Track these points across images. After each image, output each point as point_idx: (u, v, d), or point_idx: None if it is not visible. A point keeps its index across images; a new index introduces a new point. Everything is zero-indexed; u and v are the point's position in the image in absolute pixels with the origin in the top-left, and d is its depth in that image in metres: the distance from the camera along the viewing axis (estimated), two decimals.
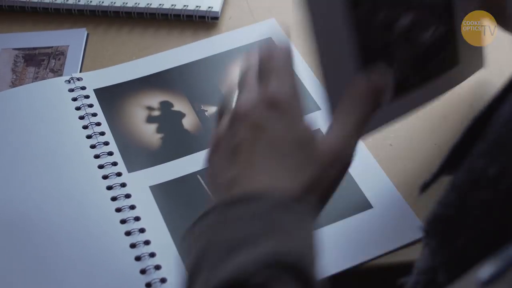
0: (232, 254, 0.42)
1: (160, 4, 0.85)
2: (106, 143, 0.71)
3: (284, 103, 0.49)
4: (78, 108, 0.74)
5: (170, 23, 0.85)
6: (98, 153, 0.70)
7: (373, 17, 0.53)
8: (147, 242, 0.62)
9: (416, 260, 0.46)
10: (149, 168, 0.69)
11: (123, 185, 0.67)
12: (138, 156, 0.70)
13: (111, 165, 0.69)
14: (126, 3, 0.85)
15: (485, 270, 0.33)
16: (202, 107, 0.75)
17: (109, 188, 0.67)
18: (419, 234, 0.52)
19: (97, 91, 0.76)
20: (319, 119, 0.72)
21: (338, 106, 0.51)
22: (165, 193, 0.67)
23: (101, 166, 0.68)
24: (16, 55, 0.82)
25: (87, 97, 0.75)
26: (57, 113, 0.74)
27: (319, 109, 0.73)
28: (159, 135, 0.72)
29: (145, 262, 0.61)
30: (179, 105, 0.75)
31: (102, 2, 0.85)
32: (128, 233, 0.63)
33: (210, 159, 0.52)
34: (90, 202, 0.66)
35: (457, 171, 0.43)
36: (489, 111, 0.43)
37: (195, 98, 0.76)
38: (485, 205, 0.39)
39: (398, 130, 0.71)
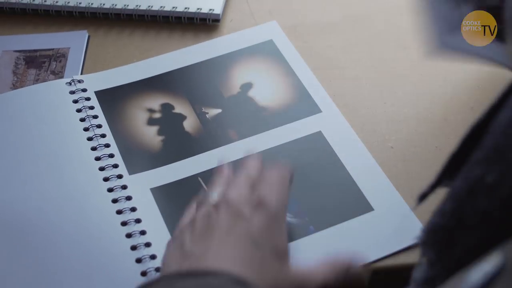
0: None
1: (161, 7, 0.85)
2: (107, 145, 0.71)
3: (271, 208, 0.52)
4: (79, 110, 0.74)
5: (171, 25, 0.85)
6: (99, 155, 0.70)
7: None
8: (147, 244, 0.62)
9: (414, 271, 0.46)
10: (150, 170, 0.69)
11: (124, 187, 0.67)
12: (139, 158, 0.70)
13: (112, 167, 0.69)
14: (127, 6, 0.85)
15: (474, 276, 0.33)
16: (203, 109, 0.75)
17: (110, 190, 0.67)
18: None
19: (98, 93, 0.76)
20: (319, 122, 0.72)
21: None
22: (166, 195, 0.67)
23: (102, 168, 0.68)
24: (17, 57, 0.82)
25: (88, 99, 0.75)
26: (58, 115, 0.74)
27: (320, 111, 0.73)
28: (160, 137, 0.72)
29: (146, 264, 0.61)
30: (180, 107, 0.75)
31: (103, 4, 0.85)
32: (129, 235, 0.63)
33: (180, 232, 0.53)
34: (91, 204, 0.66)
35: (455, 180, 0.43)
36: (487, 119, 0.43)
37: (196, 100, 0.76)
38: (481, 213, 0.39)
39: (399, 133, 0.71)
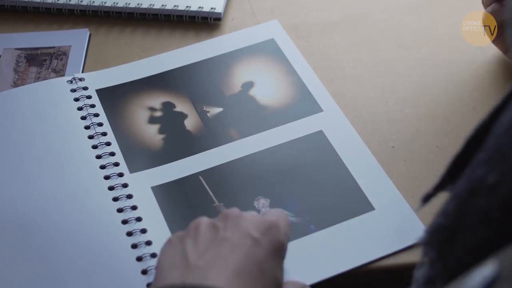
0: None
1: (162, 5, 0.85)
2: (108, 144, 0.71)
3: (280, 235, 0.51)
4: (80, 109, 0.74)
5: (172, 24, 0.85)
6: (100, 154, 0.70)
7: None
8: (148, 243, 0.62)
9: (415, 270, 0.46)
10: (151, 169, 0.69)
11: (125, 185, 0.67)
12: (140, 156, 0.70)
13: (113, 166, 0.69)
14: (129, 4, 0.85)
15: (474, 279, 0.33)
16: (204, 108, 0.75)
17: (111, 188, 0.67)
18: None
19: (99, 92, 0.76)
20: (320, 121, 0.72)
21: None
22: (166, 194, 0.67)
23: (103, 167, 0.68)
24: (18, 55, 0.82)
25: (89, 97, 0.75)
26: (59, 113, 0.74)
27: (321, 110, 0.73)
28: (161, 136, 0.72)
29: (147, 263, 0.61)
30: (181, 106, 0.75)
31: (105, 2, 0.85)
32: (129, 234, 0.63)
33: (182, 237, 0.52)
34: (92, 203, 0.66)
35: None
36: (490, 121, 0.43)
37: (197, 99, 0.76)
38: (483, 213, 0.39)
39: (400, 132, 0.71)
